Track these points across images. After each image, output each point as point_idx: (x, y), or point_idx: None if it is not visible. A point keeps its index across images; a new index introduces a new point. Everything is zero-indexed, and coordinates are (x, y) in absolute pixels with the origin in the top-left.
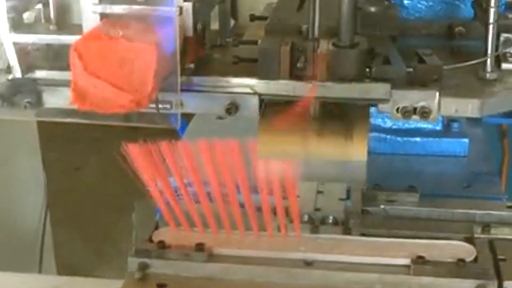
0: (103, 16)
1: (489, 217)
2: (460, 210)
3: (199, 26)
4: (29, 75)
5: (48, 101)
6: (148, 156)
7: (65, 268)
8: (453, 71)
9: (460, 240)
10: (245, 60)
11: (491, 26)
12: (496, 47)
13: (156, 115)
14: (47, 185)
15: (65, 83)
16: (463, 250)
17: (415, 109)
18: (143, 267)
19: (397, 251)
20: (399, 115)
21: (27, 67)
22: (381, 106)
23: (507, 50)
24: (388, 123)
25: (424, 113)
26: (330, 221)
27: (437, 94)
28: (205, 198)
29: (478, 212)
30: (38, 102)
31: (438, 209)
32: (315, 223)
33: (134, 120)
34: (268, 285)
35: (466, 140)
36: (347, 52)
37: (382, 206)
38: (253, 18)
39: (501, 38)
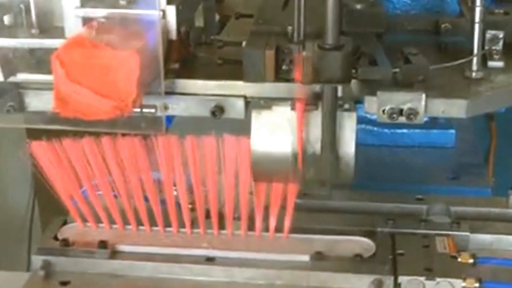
0: (85, 19)
1: (396, 210)
2: (367, 203)
3: (183, 28)
4: (11, 78)
5: (31, 105)
6: (53, 154)
7: None
8: (439, 70)
9: (363, 233)
10: (230, 62)
11: (477, 25)
12: (483, 43)
13: (141, 119)
14: (34, 174)
15: (48, 87)
16: (363, 245)
17: (401, 110)
18: (47, 265)
19: (297, 247)
20: (385, 116)
21: (9, 71)
22: (368, 107)
23: (493, 47)
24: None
25: (411, 115)
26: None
27: (424, 95)
28: (110, 195)
29: (385, 204)
30: (21, 106)
31: (346, 202)
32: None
33: (119, 126)
34: (170, 282)
35: (453, 131)
36: (333, 54)
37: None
38: (238, 16)
39: (487, 35)
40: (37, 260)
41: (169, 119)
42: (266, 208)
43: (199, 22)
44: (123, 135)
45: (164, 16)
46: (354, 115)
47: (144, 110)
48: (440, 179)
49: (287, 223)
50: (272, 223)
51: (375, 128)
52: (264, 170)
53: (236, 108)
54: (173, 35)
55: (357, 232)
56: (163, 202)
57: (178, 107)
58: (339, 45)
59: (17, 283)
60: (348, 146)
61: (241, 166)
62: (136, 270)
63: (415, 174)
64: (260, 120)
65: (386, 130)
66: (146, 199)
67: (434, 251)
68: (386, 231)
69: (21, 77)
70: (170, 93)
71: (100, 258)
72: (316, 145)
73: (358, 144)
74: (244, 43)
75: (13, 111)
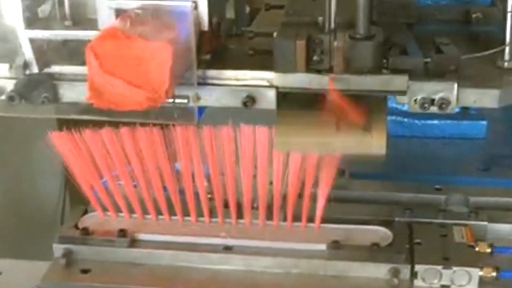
0: (118, 11)
1: (415, 200)
2: (384, 193)
3: (214, 19)
4: (46, 70)
5: (65, 96)
6: (73, 144)
7: None
8: (470, 60)
9: (380, 223)
10: (261, 53)
11: (509, 15)
12: None
13: (174, 110)
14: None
15: (81, 78)
16: (379, 234)
17: (432, 100)
18: (68, 254)
19: (314, 236)
20: (416, 106)
21: (43, 63)
22: (398, 97)
23: None
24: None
25: (443, 104)
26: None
27: (455, 85)
28: (130, 184)
29: (403, 194)
30: (55, 97)
31: (364, 192)
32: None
33: (152, 116)
34: (188, 270)
35: (484, 123)
36: (364, 44)
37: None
38: (268, 7)
39: None
40: (58, 248)
41: (200, 110)
42: (284, 198)
43: (230, 14)
44: (141, 125)
45: (196, 7)
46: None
47: (177, 100)
48: (471, 170)
49: (319, 213)
50: (291, 211)
51: (406, 119)
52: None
53: (268, 99)
54: (205, 26)
55: (374, 221)
56: (182, 192)
57: (210, 98)
58: (370, 35)
59: (41, 272)
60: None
61: (259, 155)
62: (155, 259)
63: (446, 166)
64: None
65: (416, 121)
66: (165, 188)
67: (452, 240)
68: (404, 220)
69: (55, 68)
70: (202, 83)
71: (119, 247)
72: None
73: (388, 135)
74: (275, 34)
75: (48, 102)
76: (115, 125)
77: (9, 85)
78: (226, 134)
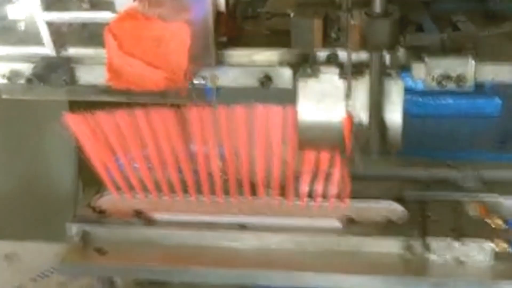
0: None
1: (428, 176)
2: (394, 170)
3: (231, 1)
4: (63, 53)
5: (82, 78)
6: (87, 126)
7: None
8: (487, 37)
9: (391, 199)
10: (278, 33)
11: None
12: None
13: (191, 90)
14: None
15: (98, 61)
16: (392, 209)
17: (449, 77)
18: (85, 235)
19: (328, 213)
20: (434, 83)
21: (61, 45)
22: (415, 74)
23: None
24: (420, 85)
25: (460, 81)
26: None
27: (473, 61)
28: (144, 165)
29: (416, 171)
30: (73, 79)
31: (377, 168)
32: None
33: (170, 96)
34: (204, 249)
35: (499, 101)
36: (380, 22)
37: None
38: None
39: None
40: (73, 228)
41: (216, 91)
42: (297, 176)
43: None
44: (155, 106)
45: None
46: (401, 83)
47: (195, 81)
48: (486, 147)
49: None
50: (305, 189)
51: (420, 99)
52: (311, 139)
53: (284, 78)
54: (222, 8)
55: (387, 197)
56: (196, 172)
57: (227, 78)
58: (386, 12)
59: (55, 253)
60: (395, 114)
61: (272, 134)
62: (171, 238)
63: (461, 144)
64: (306, 89)
65: (431, 100)
66: (180, 169)
67: (465, 214)
68: (416, 195)
69: (73, 51)
70: (218, 64)
71: (135, 227)
72: (363, 113)
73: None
74: (292, 13)
75: (66, 85)
76: (129, 107)
77: (27, 69)
78: (240, 113)
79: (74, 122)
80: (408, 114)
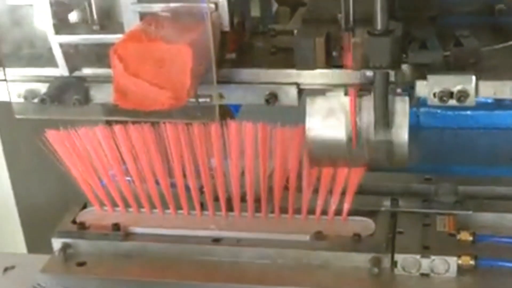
0: (142, 14)
1: (403, 190)
2: (370, 183)
3: (236, 19)
4: (76, 73)
5: (95, 97)
6: (69, 142)
7: None
8: (493, 51)
9: (365, 213)
10: (283, 50)
11: None
12: None
13: (197, 109)
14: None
15: (110, 80)
16: (362, 224)
17: (451, 93)
18: (65, 247)
19: (298, 227)
20: (436, 100)
21: (73, 66)
22: (418, 91)
23: None
24: None
25: (461, 97)
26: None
27: (474, 78)
28: (124, 179)
29: (389, 184)
30: (86, 99)
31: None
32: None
33: (175, 115)
34: (179, 262)
35: None
36: (381, 40)
37: None
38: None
39: None
40: (57, 242)
41: (236, 107)
42: (270, 190)
43: (255, 12)
44: (133, 123)
45: (216, 8)
46: (406, 99)
47: (200, 99)
48: (505, 161)
49: (346, 206)
50: (277, 204)
51: (439, 111)
52: (319, 155)
53: (289, 96)
54: (226, 27)
55: (359, 211)
56: (173, 185)
57: (233, 96)
58: (388, 30)
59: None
60: (401, 130)
61: (247, 150)
62: (148, 251)
63: (479, 157)
64: (314, 106)
65: (449, 112)
66: (157, 183)
67: (433, 229)
68: (388, 210)
69: (85, 71)
70: (225, 82)
71: (113, 240)
72: (369, 130)
73: (421, 127)
74: (295, 32)
75: (78, 104)
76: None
77: (42, 88)
78: (214, 130)
79: (54, 138)
80: (426, 126)
